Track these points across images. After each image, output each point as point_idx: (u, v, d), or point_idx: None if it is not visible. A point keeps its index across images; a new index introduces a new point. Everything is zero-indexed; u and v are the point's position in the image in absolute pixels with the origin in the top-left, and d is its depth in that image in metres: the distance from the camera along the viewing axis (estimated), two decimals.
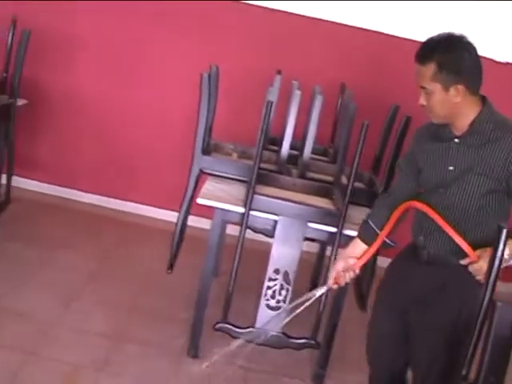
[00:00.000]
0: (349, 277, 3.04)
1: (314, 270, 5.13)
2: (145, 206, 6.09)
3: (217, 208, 3.78)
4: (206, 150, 4.29)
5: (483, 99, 2.80)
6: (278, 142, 4.43)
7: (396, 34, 5.52)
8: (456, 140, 2.80)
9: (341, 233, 3.64)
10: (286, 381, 4.02)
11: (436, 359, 2.90)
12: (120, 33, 5.79)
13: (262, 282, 3.86)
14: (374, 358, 3.22)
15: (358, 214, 3.80)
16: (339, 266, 3.05)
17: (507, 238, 2.48)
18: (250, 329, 3.80)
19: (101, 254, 5.15)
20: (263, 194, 3.74)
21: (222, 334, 3.87)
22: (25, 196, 5.69)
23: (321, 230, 3.73)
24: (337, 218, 3.65)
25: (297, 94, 4.10)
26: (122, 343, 4.04)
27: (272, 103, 3.66)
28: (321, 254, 5.09)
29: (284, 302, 3.76)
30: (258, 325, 3.81)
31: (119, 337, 4.10)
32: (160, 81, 5.87)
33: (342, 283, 3.07)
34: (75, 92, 5.94)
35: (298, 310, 3.03)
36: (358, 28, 5.57)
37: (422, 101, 2.79)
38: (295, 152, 4.41)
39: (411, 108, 3.66)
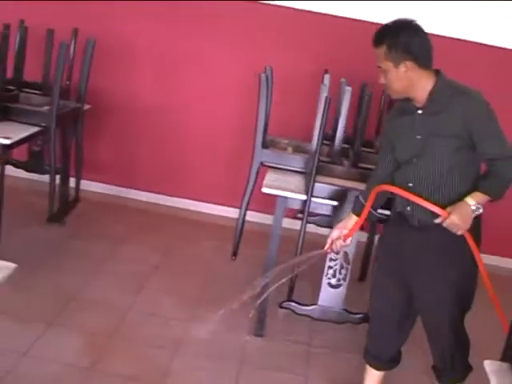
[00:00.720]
0: (339, 245, 3.50)
1: (364, 255, 5.42)
2: (201, 203, 6.37)
3: (280, 196, 4.10)
4: (265, 145, 4.62)
5: (437, 72, 3.20)
6: (329, 136, 4.73)
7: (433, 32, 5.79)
8: (419, 111, 3.20)
9: None
10: (346, 355, 4.32)
11: (443, 317, 3.31)
12: (175, 39, 6.10)
13: (317, 268, 4.20)
14: (379, 323, 3.58)
15: None
16: (334, 234, 3.51)
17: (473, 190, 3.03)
18: (314, 306, 4.15)
19: (163, 248, 5.47)
20: (324, 182, 4.08)
21: (283, 315, 4.23)
22: (86, 196, 5.97)
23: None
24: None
25: (348, 90, 4.38)
26: (193, 325, 4.37)
27: (329, 99, 3.98)
28: (370, 241, 5.39)
29: (344, 280, 4.10)
30: (320, 302, 4.14)
31: (189, 320, 4.44)
32: (213, 84, 6.17)
33: (335, 249, 3.55)
34: (134, 97, 6.25)
35: (300, 269, 3.59)
36: None
37: (382, 80, 3.23)
38: (345, 145, 4.72)
39: None
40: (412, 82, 3.15)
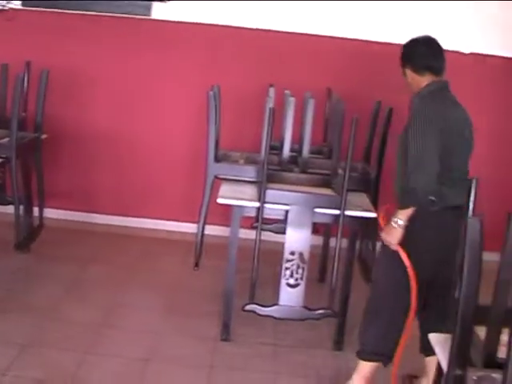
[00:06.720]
0: None
1: (321, 259, 5.66)
2: (162, 221, 6.58)
3: (235, 206, 4.33)
4: (217, 159, 4.85)
5: (434, 81, 3.66)
6: (278, 147, 4.94)
7: (368, 39, 6.13)
8: None
9: (343, 214, 4.21)
10: (311, 351, 4.52)
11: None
12: (125, 66, 6.34)
13: (274, 275, 4.50)
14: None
15: (355, 198, 4.43)
16: None
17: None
18: (275, 306, 4.36)
19: (128, 266, 5.65)
20: (274, 188, 4.30)
21: (247, 320, 4.50)
22: (50, 224, 6.06)
23: (326, 214, 4.30)
24: (338, 202, 4.21)
25: (291, 100, 4.66)
26: (162, 336, 4.54)
27: (273, 109, 4.22)
28: (325, 244, 5.63)
29: (301, 279, 4.32)
30: (281, 302, 4.36)
31: (159, 331, 4.61)
32: (165, 106, 6.40)
33: None
34: (89, 123, 6.44)
35: None
36: (335, 37, 6.14)
37: None
38: (293, 154, 4.96)
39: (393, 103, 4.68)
40: (413, 84, 3.71)
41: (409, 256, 3.56)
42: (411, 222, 3.56)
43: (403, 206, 3.54)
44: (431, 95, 3.61)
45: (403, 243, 3.58)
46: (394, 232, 3.56)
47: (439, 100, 3.59)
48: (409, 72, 3.71)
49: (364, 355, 3.84)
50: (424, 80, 3.66)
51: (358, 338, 3.93)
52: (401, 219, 3.53)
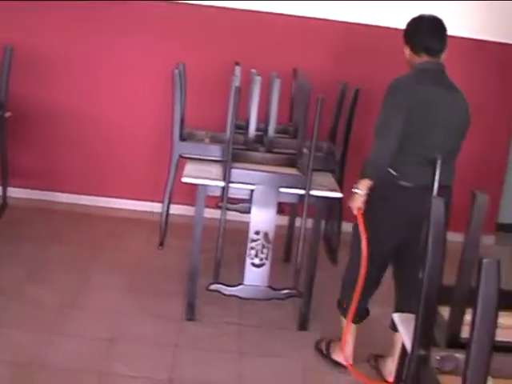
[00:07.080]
0: None
1: (286, 239, 5.67)
2: (127, 200, 6.50)
3: (200, 185, 4.30)
4: (183, 138, 4.81)
5: (429, 63, 3.67)
6: (243, 126, 4.92)
7: (334, 18, 6.09)
8: None
9: (309, 194, 4.21)
10: (276, 331, 4.53)
11: None
12: (88, 45, 6.22)
13: (239, 255, 4.49)
14: None
15: (321, 177, 4.42)
16: None
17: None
18: (240, 286, 4.35)
19: (93, 246, 5.60)
20: (239, 168, 4.28)
21: (212, 299, 4.48)
22: (14, 203, 6.04)
23: (291, 194, 4.30)
24: (304, 181, 4.21)
25: (257, 79, 4.63)
26: (128, 316, 4.52)
27: (239, 88, 4.20)
28: (291, 224, 5.63)
29: (266, 259, 4.32)
30: (246, 282, 4.35)
31: (124, 311, 4.58)
32: (130, 84, 6.31)
33: None
34: (53, 102, 6.32)
35: None
36: (302, 17, 6.09)
37: None
38: (259, 133, 4.95)
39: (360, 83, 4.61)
40: (409, 62, 3.75)
41: (368, 223, 3.69)
42: (372, 192, 3.65)
43: (360, 177, 3.64)
44: (417, 74, 3.64)
45: (364, 211, 3.70)
46: (354, 198, 3.69)
47: (424, 80, 3.60)
48: (407, 49, 3.74)
49: (339, 308, 4.04)
50: (419, 60, 3.68)
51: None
52: (359, 188, 3.64)
